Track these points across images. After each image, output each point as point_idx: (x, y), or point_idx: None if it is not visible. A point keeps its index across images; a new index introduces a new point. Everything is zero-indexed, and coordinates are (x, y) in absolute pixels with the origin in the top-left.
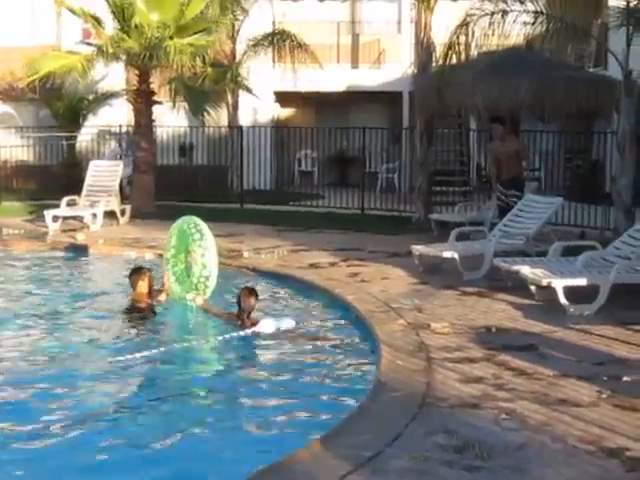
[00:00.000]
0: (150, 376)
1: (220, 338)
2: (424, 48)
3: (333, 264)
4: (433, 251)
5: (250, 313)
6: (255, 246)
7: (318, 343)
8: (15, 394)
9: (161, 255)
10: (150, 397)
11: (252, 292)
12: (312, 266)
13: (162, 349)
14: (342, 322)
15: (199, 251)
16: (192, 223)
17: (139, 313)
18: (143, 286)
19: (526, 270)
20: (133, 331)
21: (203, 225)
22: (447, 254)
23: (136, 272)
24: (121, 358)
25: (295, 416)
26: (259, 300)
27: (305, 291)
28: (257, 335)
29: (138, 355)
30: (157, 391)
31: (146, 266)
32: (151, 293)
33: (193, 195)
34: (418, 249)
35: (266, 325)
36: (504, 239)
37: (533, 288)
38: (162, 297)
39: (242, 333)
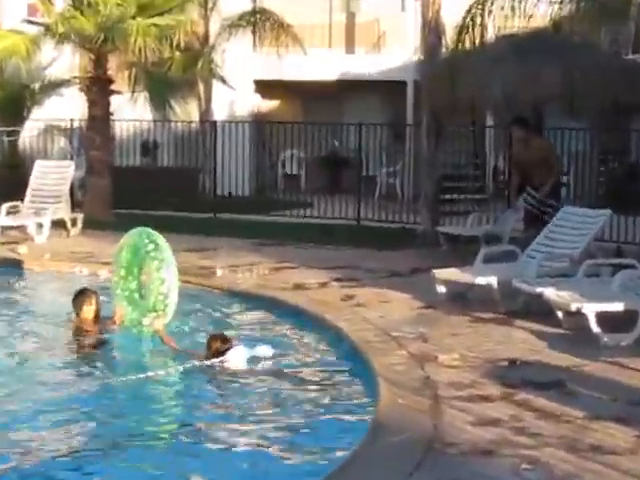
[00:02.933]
0: (98, 415)
1: (181, 369)
2: (432, 30)
3: (323, 285)
4: (463, 276)
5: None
6: (230, 263)
7: (303, 377)
8: None
9: None
10: (97, 441)
11: (225, 339)
12: (298, 287)
13: (112, 383)
14: (333, 353)
15: (154, 264)
16: (144, 234)
17: (85, 342)
18: (89, 311)
19: (551, 293)
20: (78, 363)
21: (157, 235)
22: (482, 280)
23: (81, 295)
24: (64, 395)
25: (274, 465)
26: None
27: (289, 316)
28: (226, 366)
29: (84, 390)
30: (106, 432)
31: (95, 287)
32: (98, 319)
33: (157, 202)
34: (442, 274)
35: (237, 354)
36: (546, 261)
37: (560, 314)
38: (112, 324)
39: (208, 363)
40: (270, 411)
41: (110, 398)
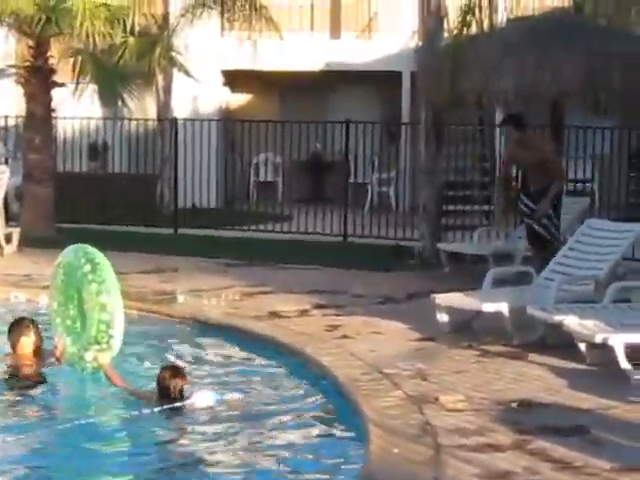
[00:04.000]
0: (37, 465)
1: (135, 414)
2: (432, 12)
3: (303, 312)
4: (469, 302)
5: (176, 398)
6: (194, 287)
7: (280, 424)
8: None
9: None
10: None
11: (176, 372)
12: (273, 315)
13: (53, 429)
14: (314, 394)
15: (93, 288)
16: (80, 252)
17: (21, 382)
18: (27, 345)
19: (572, 322)
20: (12, 407)
21: (95, 253)
22: (490, 307)
23: (17, 325)
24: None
25: None
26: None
27: (263, 350)
28: (188, 411)
29: (19, 439)
30: None
31: (34, 316)
32: (39, 354)
33: (108, 214)
34: (444, 299)
35: (200, 399)
36: (566, 284)
37: (582, 347)
38: (54, 360)
39: (167, 407)
40: (237, 465)
41: (47, 448)
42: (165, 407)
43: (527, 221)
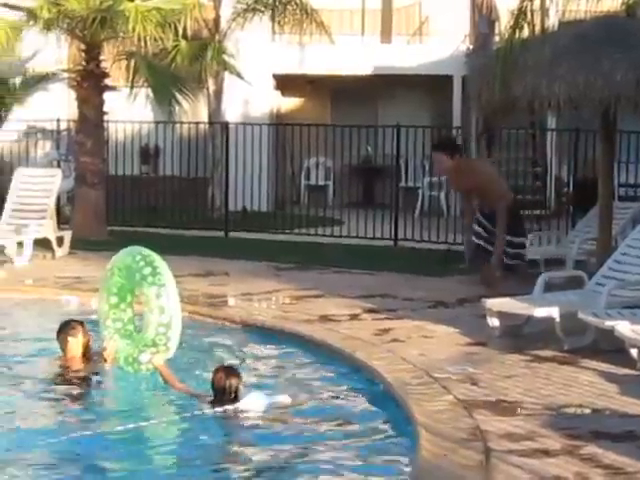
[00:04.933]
0: (88, 468)
1: (188, 415)
2: (483, 15)
3: (354, 317)
4: (519, 307)
5: (232, 398)
6: (245, 290)
7: (329, 427)
8: None
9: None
10: None
11: (231, 372)
12: (324, 319)
13: (104, 433)
14: (364, 398)
15: (153, 291)
16: (139, 255)
17: (71, 384)
18: (75, 347)
19: (625, 327)
20: (63, 410)
21: (154, 256)
22: (541, 312)
23: (66, 327)
24: (46, 448)
25: None
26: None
27: (313, 354)
28: (239, 415)
29: (71, 442)
30: None
31: (84, 319)
32: (88, 356)
33: (159, 218)
34: (495, 304)
35: (252, 402)
36: (618, 289)
37: (634, 352)
38: (103, 362)
39: (220, 409)
40: (286, 468)
41: (102, 451)
42: (217, 410)
43: (477, 241)
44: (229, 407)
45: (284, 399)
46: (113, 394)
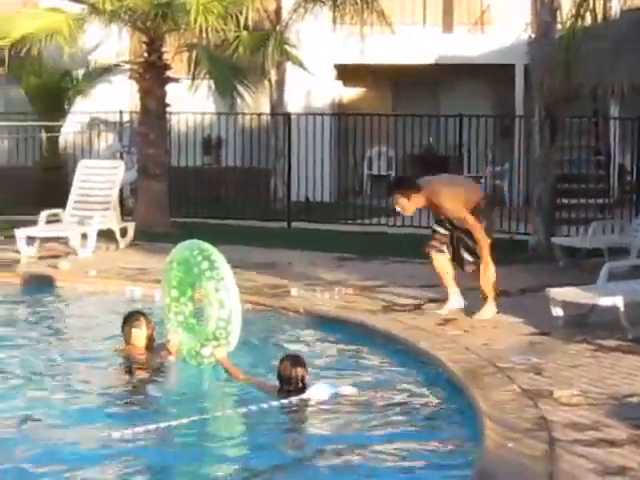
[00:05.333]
0: (154, 461)
1: (254, 408)
2: (545, 3)
3: (417, 307)
4: (583, 297)
5: (298, 388)
6: (307, 281)
7: (394, 417)
8: None
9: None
10: None
11: (297, 362)
12: (387, 309)
13: (169, 424)
14: (428, 387)
15: (211, 285)
16: (196, 249)
17: (135, 376)
18: (139, 338)
19: None
20: (127, 402)
21: (211, 249)
22: (606, 301)
23: (130, 319)
24: (109, 440)
25: None
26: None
27: (377, 344)
28: (304, 405)
29: (135, 433)
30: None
31: (148, 310)
32: (151, 347)
33: (222, 209)
34: (558, 293)
35: (317, 392)
36: None
37: None
38: (167, 354)
39: (285, 402)
40: (351, 459)
41: (166, 443)
42: (283, 401)
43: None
44: (294, 398)
45: (349, 389)
46: (177, 386)
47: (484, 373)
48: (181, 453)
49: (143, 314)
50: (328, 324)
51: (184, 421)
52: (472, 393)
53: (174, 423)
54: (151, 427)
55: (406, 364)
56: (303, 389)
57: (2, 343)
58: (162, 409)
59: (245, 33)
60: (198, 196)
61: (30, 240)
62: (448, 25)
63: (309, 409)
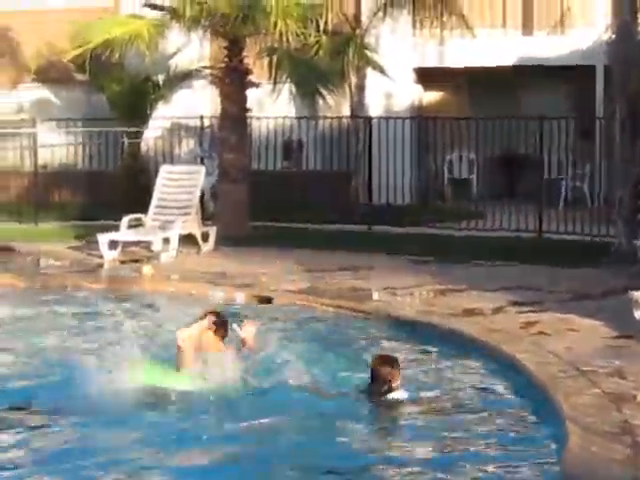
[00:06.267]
0: (240, 457)
1: (333, 404)
2: (626, 4)
3: (498, 310)
4: None
5: (391, 387)
6: (388, 284)
7: (476, 420)
8: None
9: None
10: None
11: (389, 361)
12: (468, 313)
13: (249, 421)
14: (511, 391)
15: None
16: None
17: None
18: (212, 338)
19: None
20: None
21: None
22: None
23: (213, 317)
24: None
25: None
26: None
27: (459, 347)
28: (386, 405)
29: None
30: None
31: (229, 314)
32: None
33: (303, 212)
34: None
35: (399, 393)
36: None
37: None
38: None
39: (367, 399)
40: (432, 460)
41: (248, 438)
42: (364, 398)
43: None
44: (377, 398)
45: (428, 393)
46: (256, 380)
47: (566, 377)
48: (267, 449)
49: (217, 313)
50: (408, 328)
51: (265, 420)
52: (555, 397)
53: (254, 418)
54: (231, 424)
55: (488, 367)
56: (391, 389)
57: (85, 347)
58: (244, 405)
59: (325, 37)
60: (278, 200)
61: (112, 244)
62: (528, 27)
63: (391, 408)
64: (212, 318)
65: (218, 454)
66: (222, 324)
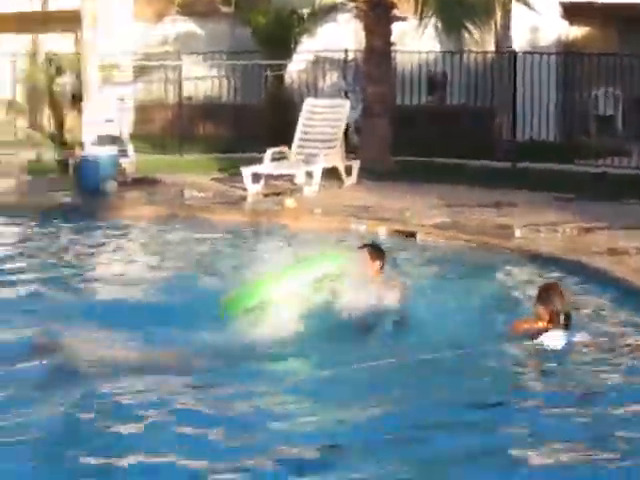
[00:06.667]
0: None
1: (486, 346)
2: None
3: None
4: None
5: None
6: (531, 221)
7: (626, 364)
8: None
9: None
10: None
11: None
12: (613, 252)
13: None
14: None
15: None
16: None
17: None
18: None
19: None
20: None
21: None
22: None
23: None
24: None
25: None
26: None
27: (604, 288)
28: (537, 349)
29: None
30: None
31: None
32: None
33: (445, 148)
34: None
35: (552, 338)
36: None
37: None
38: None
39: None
40: (578, 405)
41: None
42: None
43: None
44: (529, 342)
45: (582, 336)
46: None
47: None
48: (411, 389)
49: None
50: (552, 265)
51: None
52: None
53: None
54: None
55: (636, 308)
56: (568, 326)
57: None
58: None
59: None
60: (421, 135)
61: (256, 177)
62: None
63: (542, 353)
64: (369, 249)
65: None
66: (380, 255)
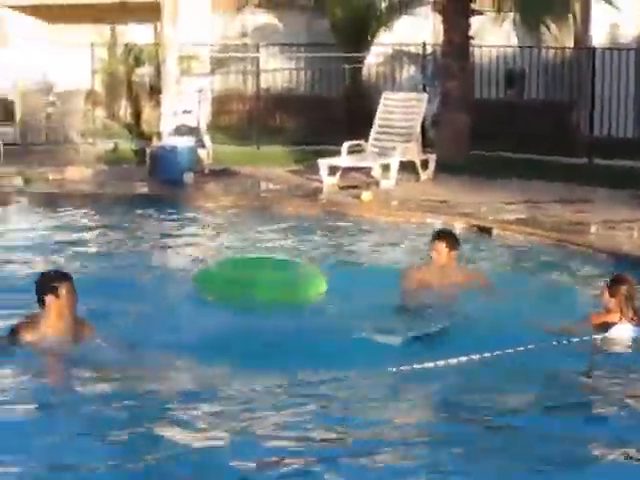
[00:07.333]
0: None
1: (554, 343)
2: None
3: None
4: None
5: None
6: (607, 218)
7: None
8: None
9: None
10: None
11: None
12: None
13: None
14: None
15: None
16: None
17: None
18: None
19: None
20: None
21: None
22: None
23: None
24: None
25: None
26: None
27: None
28: (605, 344)
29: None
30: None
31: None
32: None
33: (523, 143)
34: None
35: (620, 332)
36: None
37: None
38: None
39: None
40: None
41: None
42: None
43: None
44: (597, 336)
45: None
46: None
47: None
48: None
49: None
50: (630, 263)
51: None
52: None
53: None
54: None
55: None
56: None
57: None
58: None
59: None
60: (499, 129)
61: (332, 170)
62: None
63: (610, 347)
64: (446, 238)
65: None
66: (456, 244)
